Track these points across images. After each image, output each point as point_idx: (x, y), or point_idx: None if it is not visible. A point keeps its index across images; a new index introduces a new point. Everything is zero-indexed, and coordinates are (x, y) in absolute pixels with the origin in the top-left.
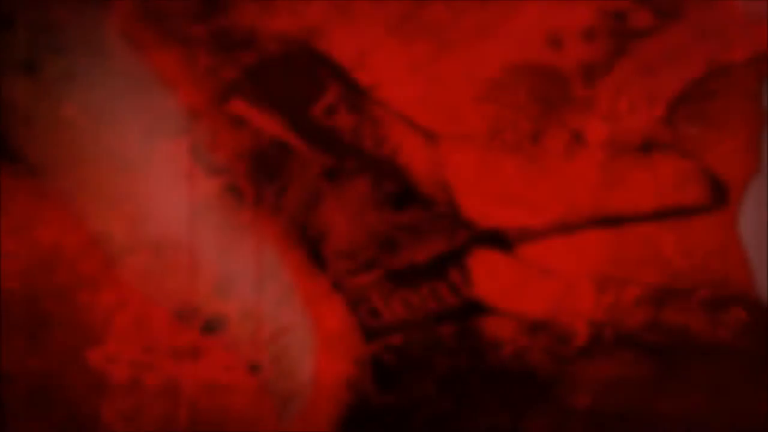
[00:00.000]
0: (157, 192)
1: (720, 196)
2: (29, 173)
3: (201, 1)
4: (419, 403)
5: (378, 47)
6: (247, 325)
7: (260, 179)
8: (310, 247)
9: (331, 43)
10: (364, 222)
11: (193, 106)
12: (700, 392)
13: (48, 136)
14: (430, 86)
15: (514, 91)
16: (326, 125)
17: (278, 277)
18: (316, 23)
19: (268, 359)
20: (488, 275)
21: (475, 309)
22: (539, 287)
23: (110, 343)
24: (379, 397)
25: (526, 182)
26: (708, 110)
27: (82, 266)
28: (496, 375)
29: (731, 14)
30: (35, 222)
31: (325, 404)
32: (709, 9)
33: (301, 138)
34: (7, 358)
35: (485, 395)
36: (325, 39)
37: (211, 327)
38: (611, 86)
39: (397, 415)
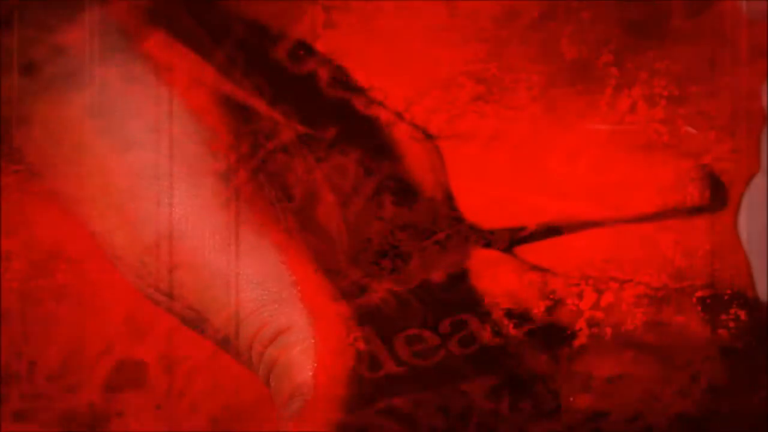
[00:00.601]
0: (152, 195)
1: (720, 196)
2: (29, 173)
3: None
4: (418, 403)
5: (378, 47)
6: (245, 325)
7: (258, 179)
8: (311, 246)
9: (330, 44)
10: (362, 222)
11: (190, 107)
12: (700, 392)
13: (48, 136)
14: (430, 86)
15: (514, 91)
16: (324, 124)
17: (278, 277)
18: (317, 24)
19: (267, 360)
20: (488, 276)
21: (476, 311)
22: (539, 287)
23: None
24: (378, 402)
25: (526, 182)
26: (708, 110)
27: (83, 266)
28: (497, 375)
29: (731, 14)
30: (35, 222)
31: (324, 406)
32: (709, 9)
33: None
34: (7, 358)
35: (485, 395)
36: (323, 42)
37: (207, 328)
38: (611, 86)
39: (397, 416)
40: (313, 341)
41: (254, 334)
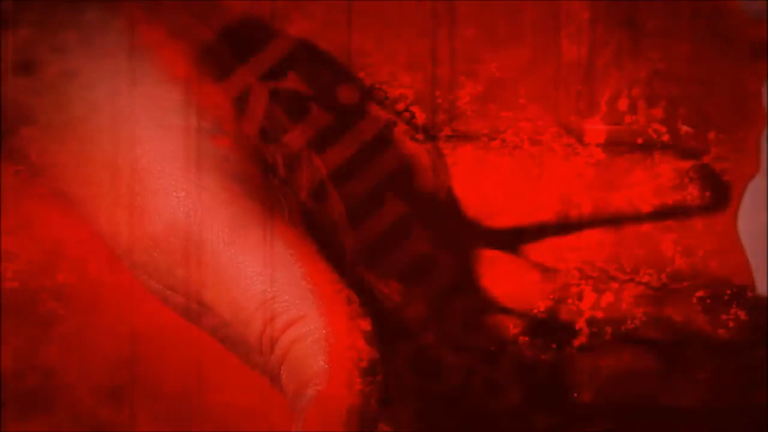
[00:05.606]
0: (160, 189)
1: (720, 196)
2: (29, 173)
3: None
4: (420, 401)
5: (378, 47)
6: (255, 317)
7: (265, 174)
8: (317, 242)
9: (331, 43)
10: (364, 220)
11: (196, 102)
12: (701, 392)
13: (48, 136)
14: (430, 86)
15: (514, 91)
16: (326, 123)
17: (287, 268)
18: (318, 23)
19: (278, 353)
20: (489, 275)
21: (476, 308)
22: (539, 287)
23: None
24: (379, 395)
25: (526, 182)
26: (708, 110)
27: (83, 266)
28: (497, 373)
29: (731, 14)
30: (35, 222)
31: (332, 401)
32: (709, 9)
33: (303, 134)
34: (7, 358)
35: (487, 393)
36: (325, 39)
37: (216, 323)
38: (611, 86)
39: (398, 413)
40: (324, 332)
41: (264, 326)
